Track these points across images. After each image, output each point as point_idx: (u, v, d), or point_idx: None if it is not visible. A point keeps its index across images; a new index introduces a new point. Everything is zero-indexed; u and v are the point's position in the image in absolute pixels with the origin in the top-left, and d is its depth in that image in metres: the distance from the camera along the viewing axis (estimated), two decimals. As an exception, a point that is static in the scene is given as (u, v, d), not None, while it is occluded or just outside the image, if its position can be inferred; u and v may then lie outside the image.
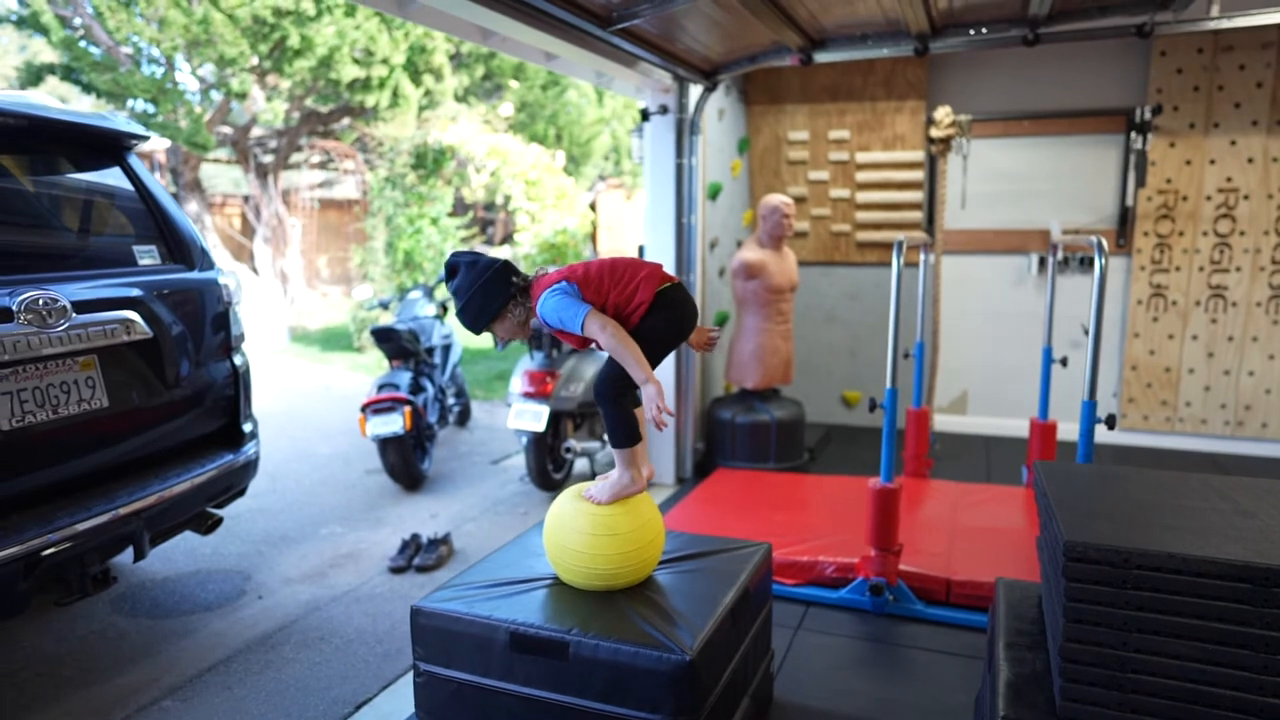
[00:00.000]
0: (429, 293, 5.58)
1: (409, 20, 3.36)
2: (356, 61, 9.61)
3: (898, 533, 3.07)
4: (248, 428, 3.08)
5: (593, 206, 13.90)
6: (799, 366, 5.77)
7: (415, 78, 10.43)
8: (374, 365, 8.46)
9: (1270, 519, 1.60)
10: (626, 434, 2.04)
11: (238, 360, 3.05)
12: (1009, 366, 5.60)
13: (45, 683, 2.66)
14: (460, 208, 12.87)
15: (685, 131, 4.47)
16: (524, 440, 4.40)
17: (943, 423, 5.73)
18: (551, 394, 4.32)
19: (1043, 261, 5.43)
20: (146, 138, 2.87)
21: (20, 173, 2.57)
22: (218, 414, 2.96)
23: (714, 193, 5.03)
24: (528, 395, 4.35)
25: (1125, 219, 5.24)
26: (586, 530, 2.01)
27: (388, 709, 2.56)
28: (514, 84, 12.53)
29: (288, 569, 3.61)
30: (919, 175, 5.55)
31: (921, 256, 4.33)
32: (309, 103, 10.84)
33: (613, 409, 2.02)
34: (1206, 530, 1.54)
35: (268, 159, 11.72)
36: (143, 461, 2.66)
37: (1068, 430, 4.66)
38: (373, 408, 4.37)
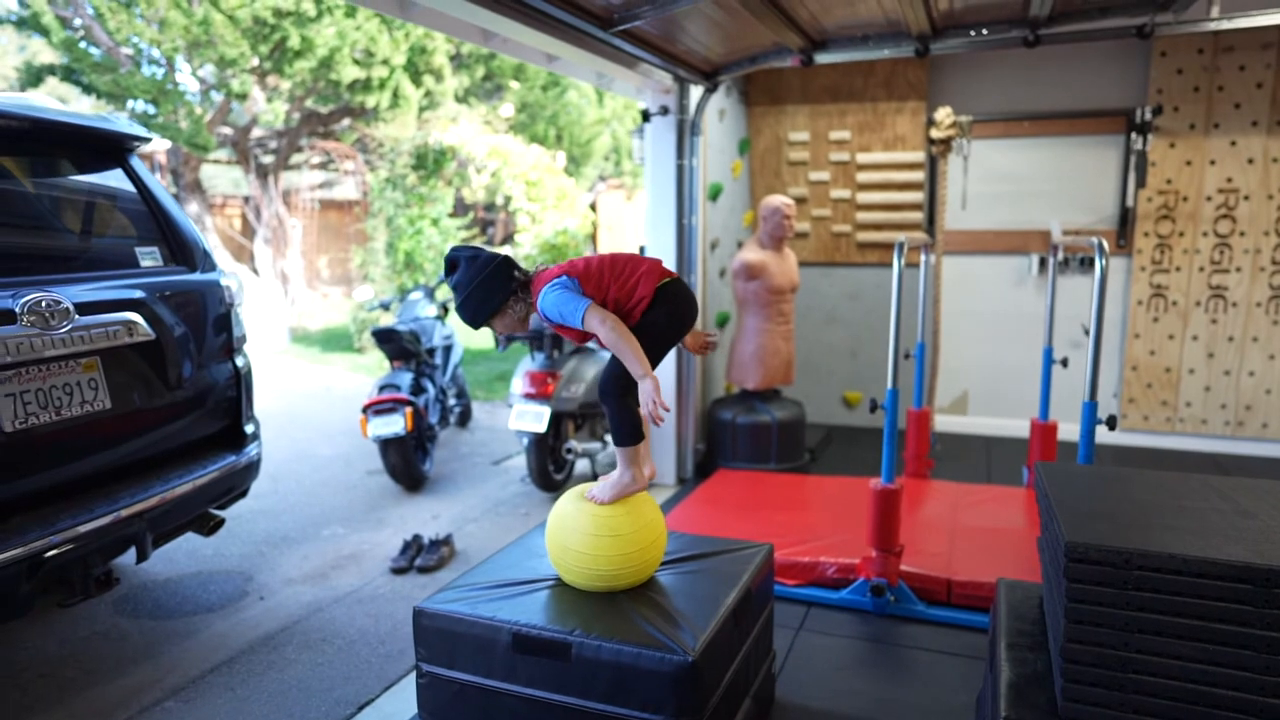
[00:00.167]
0: (430, 294, 5.59)
1: (410, 22, 3.36)
2: (357, 62, 9.61)
3: (899, 533, 3.07)
4: (249, 429, 3.08)
5: (593, 207, 13.89)
6: (800, 367, 5.77)
7: (416, 78, 10.44)
8: (375, 366, 8.47)
9: (1271, 520, 1.60)
10: (630, 432, 2.05)
11: (239, 362, 3.05)
12: (1009, 367, 5.60)
13: (48, 684, 2.66)
14: (461, 208, 12.88)
15: (686, 132, 4.47)
16: (525, 441, 4.41)
17: (943, 423, 5.73)
18: (552, 395, 4.32)
19: (1043, 262, 5.44)
20: (149, 139, 2.88)
21: (23, 175, 2.57)
22: (220, 415, 2.96)
23: (715, 193, 5.04)
24: (529, 396, 4.36)
25: (1125, 219, 5.24)
26: (589, 531, 2.01)
27: (390, 710, 2.56)
28: (514, 85, 12.54)
29: (289, 570, 3.61)
30: (919, 176, 5.56)
31: (922, 257, 4.34)
32: (309, 103, 10.85)
33: (617, 406, 2.03)
34: (1207, 531, 1.54)
35: (268, 160, 11.73)
36: (145, 463, 2.67)
37: (1068, 431, 4.67)
38: (374, 409, 4.37)
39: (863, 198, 5.70)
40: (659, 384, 1.89)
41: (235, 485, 2.96)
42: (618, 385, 2.01)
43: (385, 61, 9.76)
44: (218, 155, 11.81)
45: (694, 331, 2.22)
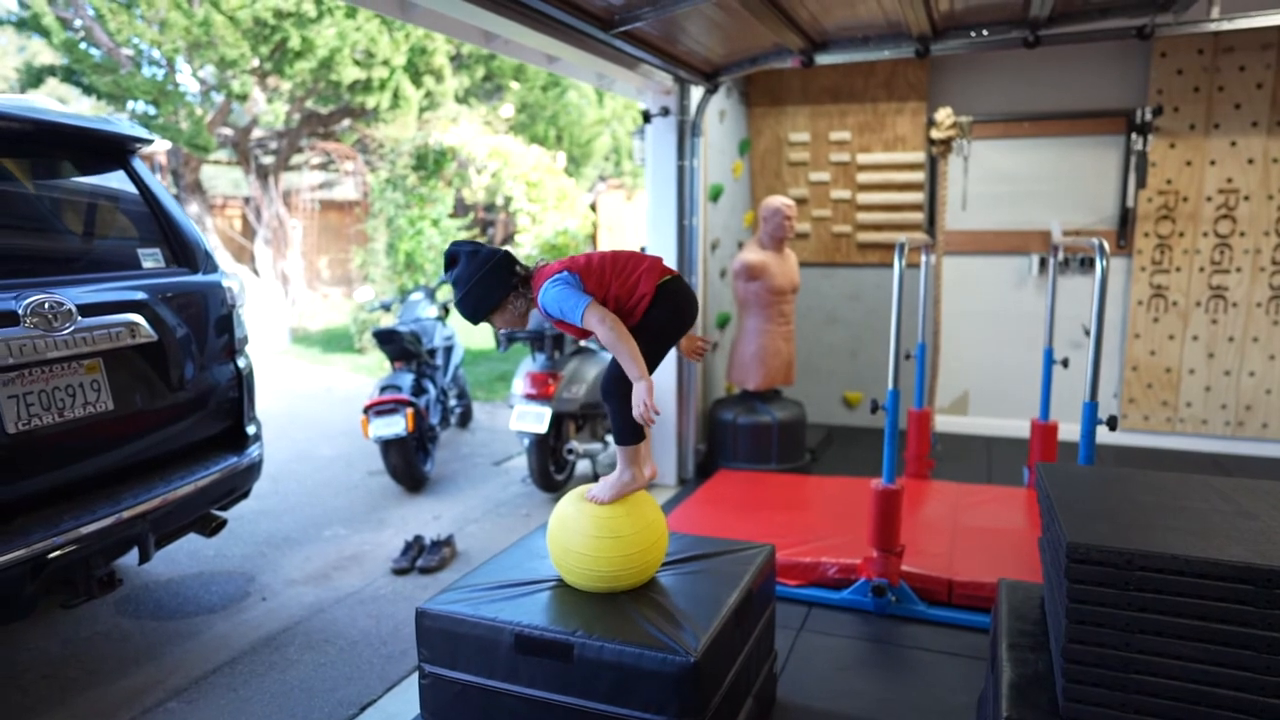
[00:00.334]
0: (431, 294, 5.59)
1: (410, 23, 3.36)
2: (357, 63, 9.62)
3: (900, 534, 3.07)
4: (251, 430, 3.09)
5: (593, 207, 13.89)
6: (800, 367, 5.77)
7: (416, 79, 10.45)
8: (375, 367, 8.47)
9: (1271, 520, 1.60)
10: (632, 431, 2.06)
11: (241, 363, 3.05)
12: (1010, 367, 5.61)
13: (50, 685, 2.66)
14: (461, 209, 12.87)
15: (686, 133, 4.48)
16: (526, 442, 4.41)
17: (944, 424, 5.74)
18: (553, 396, 4.33)
19: (1043, 262, 5.44)
20: (150, 141, 2.88)
21: (25, 176, 2.58)
22: (222, 416, 2.97)
23: (715, 194, 5.04)
24: (529, 397, 4.36)
25: (1126, 220, 5.25)
26: (590, 532, 2.01)
27: (393, 710, 2.57)
28: (514, 85, 12.54)
29: (291, 571, 3.61)
30: (920, 176, 5.56)
31: (922, 257, 4.34)
32: (310, 104, 10.86)
33: (619, 406, 2.03)
34: (1208, 531, 1.54)
35: (268, 160, 11.73)
36: (147, 464, 2.67)
37: (1069, 431, 4.67)
38: (375, 409, 4.38)
39: (863, 198, 5.71)
40: (653, 386, 1.90)
41: (237, 486, 2.96)
42: (620, 385, 2.01)
43: (385, 62, 9.77)
44: (218, 156, 11.81)
45: (687, 335, 2.22)
